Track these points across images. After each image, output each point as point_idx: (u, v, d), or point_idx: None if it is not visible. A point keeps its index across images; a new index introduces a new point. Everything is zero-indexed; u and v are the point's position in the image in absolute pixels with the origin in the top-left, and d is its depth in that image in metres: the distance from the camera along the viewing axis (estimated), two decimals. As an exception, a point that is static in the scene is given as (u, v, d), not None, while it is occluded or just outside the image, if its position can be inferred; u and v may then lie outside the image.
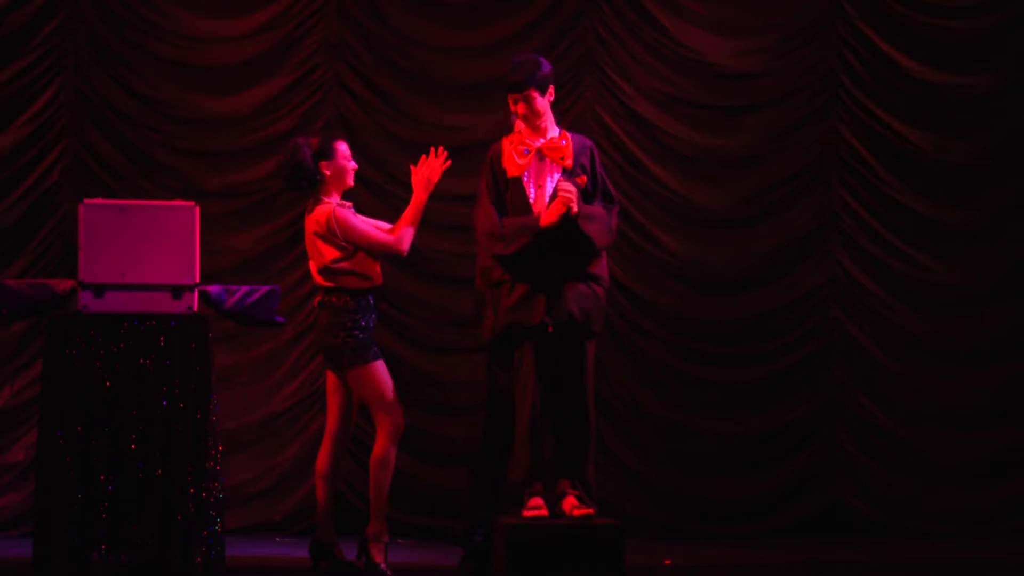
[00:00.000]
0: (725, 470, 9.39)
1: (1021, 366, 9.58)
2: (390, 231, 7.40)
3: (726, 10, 9.57)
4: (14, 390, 9.04)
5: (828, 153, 9.57)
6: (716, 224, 9.52)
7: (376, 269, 7.39)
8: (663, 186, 9.50)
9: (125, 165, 9.21)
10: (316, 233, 7.34)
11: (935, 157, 9.60)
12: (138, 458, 6.87)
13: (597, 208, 7.19)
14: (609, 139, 9.43)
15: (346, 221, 7.30)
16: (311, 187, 7.41)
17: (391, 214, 7.79)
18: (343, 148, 7.42)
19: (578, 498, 7.14)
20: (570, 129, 7.51)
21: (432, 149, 7.42)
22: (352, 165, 7.43)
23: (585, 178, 7.21)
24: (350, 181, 7.43)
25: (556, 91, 7.34)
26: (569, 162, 7.22)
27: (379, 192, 9.10)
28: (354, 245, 7.30)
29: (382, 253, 7.38)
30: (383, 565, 7.30)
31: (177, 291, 7.00)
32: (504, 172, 7.23)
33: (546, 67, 7.22)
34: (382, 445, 7.32)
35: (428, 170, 7.39)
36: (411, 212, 7.36)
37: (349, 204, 7.45)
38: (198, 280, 7.04)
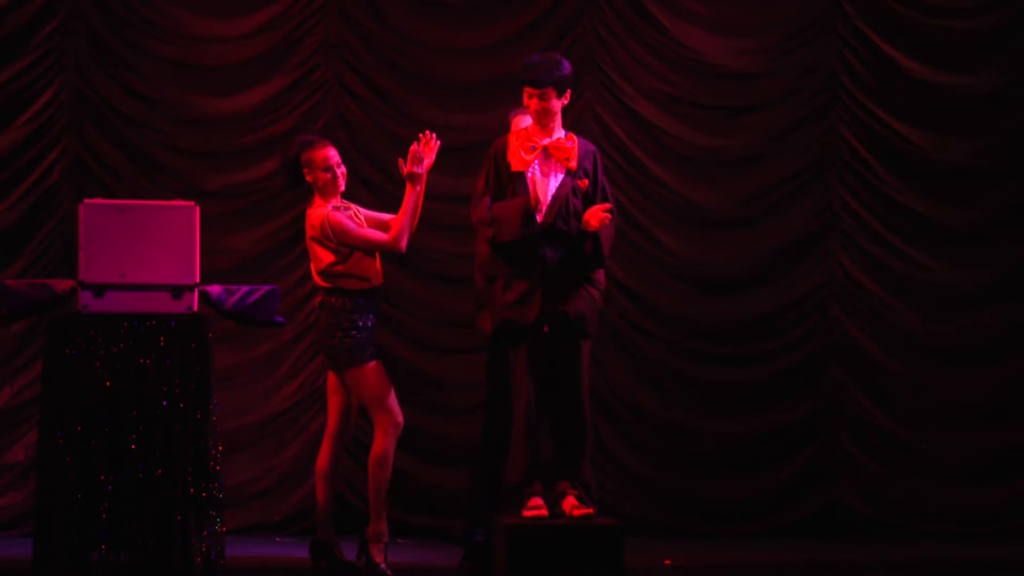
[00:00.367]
0: (725, 470, 9.39)
1: (1021, 366, 9.58)
2: (390, 222, 7.37)
3: (726, 10, 9.57)
4: (14, 390, 9.03)
5: (828, 153, 9.57)
6: (716, 224, 9.52)
7: (375, 269, 7.38)
8: (663, 186, 9.50)
9: (125, 165, 9.21)
10: (312, 237, 7.34)
11: (935, 157, 9.59)
12: (138, 458, 6.87)
13: (610, 228, 7.22)
14: (609, 139, 9.42)
15: (340, 225, 7.28)
16: (307, 188, 7.42)
17: (392, 213, 7.78)
18: (321, 157, 7.32)
19: (578, 498, 7.15)
20: (570, 129, 7.51)
21: (421, 136, 7.38)
22: (340, 171, 7.35)
23: (587, 181, 7.24)
24: (341, 186, 7.38)
25: (556, 91, 7.37)
26: (574, 164, 7.25)
27: (379, 192, 9.10)
28: (350, 247, 7.29)
29: (381, 252, 7.38)
30: (383, 565, 7.29)
31: (177, 291, 7.00)
32: (508, 166, 7.25)
33: (567, 68, 7.23)
34: (380, 445, 7.32)
35: (413, 165, 7.30)
36: (405, 207, 7.30)
37: (351, 206, 7.44)
38: (198, 280, 7.04)
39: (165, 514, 6.86)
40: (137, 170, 9.21)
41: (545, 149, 7.24)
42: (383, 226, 7.40)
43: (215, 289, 7.16)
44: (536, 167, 7.23)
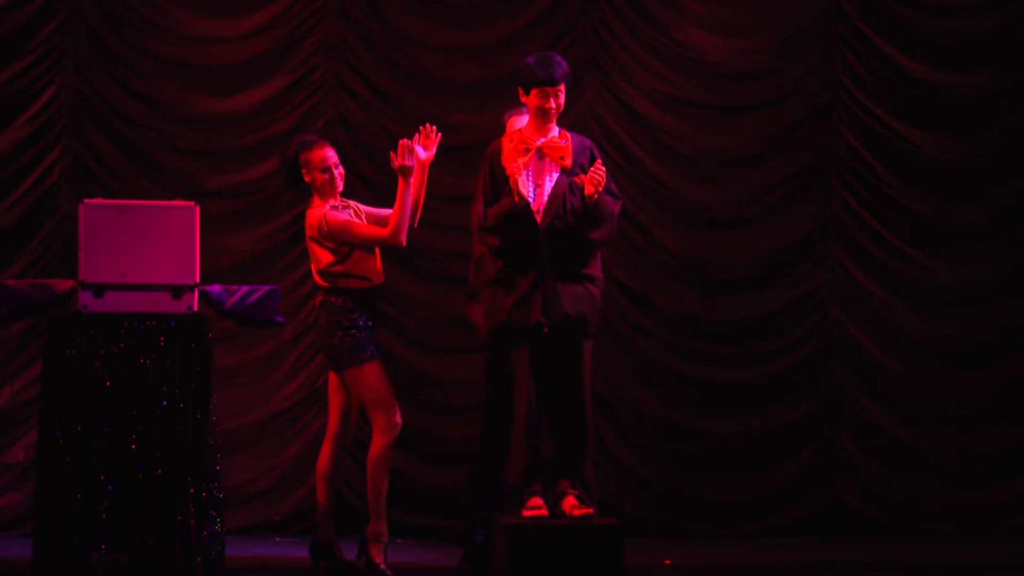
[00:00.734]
0: (725, 470, 9.39)
1: (1021, 366, 9.58)
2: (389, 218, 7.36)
3: (726, 10, 9.57)
4: (14, 390, 9.04)
5: (828, 153, 9.57)
6: (716, 224, 9.52)
7: (375, 269, 7.38)
8: (663, 186, 9.50)
9: (125, 165, 9.21)
10: (311, 237, 7.34)
11: (935, 157, 9.60)
12: (138, 458, 6.87)
13: (609, 200, 7.19)
14: (609, 139, 9.42)
15: (337, 223, 7.27)
16: (308, 189, 7.42)
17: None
18: (318, 157, 7.32)
19: (578, 498, 7.14)
20: (570, 129, 7.50)
21: (421, 128, 7.36)
22: (337, 172, 7.34)
23: (583, 178, 7.21)
24: (339, 186, 7.37)
25: (556, 90, 7.37)
26: (568, 162, 7.22)
27: (379, 191, 9.09)
28: (350, 246, 7.28)
29: (381, 247, 7.37)
30: (383, 565, 7.29)
31: (177, 291, 6.99)
32: (504, 169, 7.23)
33: (567, 64, 7.25)
34: (379, 445, 7.31)
35: (403, 158, 7.25)
36: (399, 201, 7.23)
37: (350, 204, 7.43)
38: (198, 280, 7.04)
39: (165, 514, 6.85)
40: (137, 170, 9.21)
41: (539, 150, 7.22)
42: (384, 222, 7.36)
43: (215, 289, 7.16)
44: (530, 169, 7.21)
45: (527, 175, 7.18)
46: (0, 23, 9.10)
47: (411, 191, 7.26)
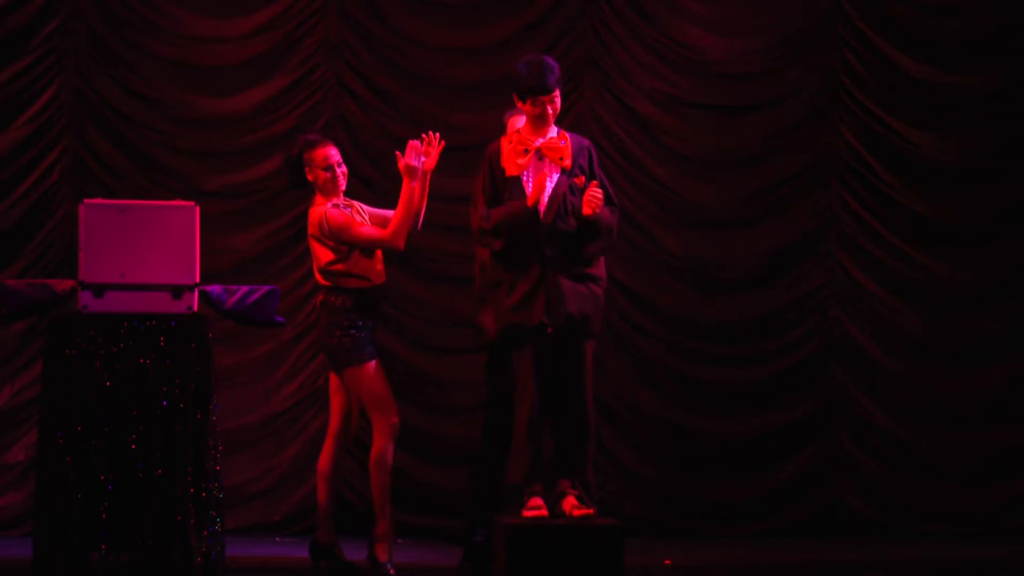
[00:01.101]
0: (725, 470, 9.39)
1: (1021, 366, 9.58)
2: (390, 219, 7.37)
3: (726, 10, 9.57)
4: (14, 390, 9.04)
5: (828, 153, 9.57)
6: (716, 224, 9.52)
7: (376, 269, 7.38)
8: (663, 186, 9.50)
9: (125, 165, 9.21)
10: (312, 235, 7.35)
11: (935, 157, 9.59)
12: (138, 458, 6.87)
13: (607, 213, 7.19)
14: (609, 139, 9.43)
15: (336, 222, 7.27)
16: (311, 188, 7.42)
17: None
18: (321, 156, 7.33)
19: (578, 498, 7.14)
20: (570, 129, 7.50)
21: (424, 136, 7.37)
22: (340, 171, 7.35)
23: (583, 178, 7.21)
24: (341, 185, 7.38)
25: (556, 90, 7.36)
26: (568, 162, 7.22)
27: (380, 191, 9.09)
28: (349, 245, 7.28)
29: (379, 248, 7.37)
30: (388, 564, 7.29)
31: (177, 291, 6.99)
32: (503, 171, 7.23)
33: (558, 67, 7.24)
34: (379, 445, 7.32)
35: (411, 158, 7.28)
36: (402, 203, 7.25)
37: (353, 203, 7.43)
38: (198, 280, 7.04)
39: (165, 514, 6.85)
40: (137, 170, 9.22)
41: (538, 151, 7.22)
42: (387, 223, 7.38)
43: (215, 289, 7.16)
44: (531, 170, 7.20)
45: (527, 176, 7.18)
46: (0, 23, 9.10)
47: (416, 193, 7.26)
